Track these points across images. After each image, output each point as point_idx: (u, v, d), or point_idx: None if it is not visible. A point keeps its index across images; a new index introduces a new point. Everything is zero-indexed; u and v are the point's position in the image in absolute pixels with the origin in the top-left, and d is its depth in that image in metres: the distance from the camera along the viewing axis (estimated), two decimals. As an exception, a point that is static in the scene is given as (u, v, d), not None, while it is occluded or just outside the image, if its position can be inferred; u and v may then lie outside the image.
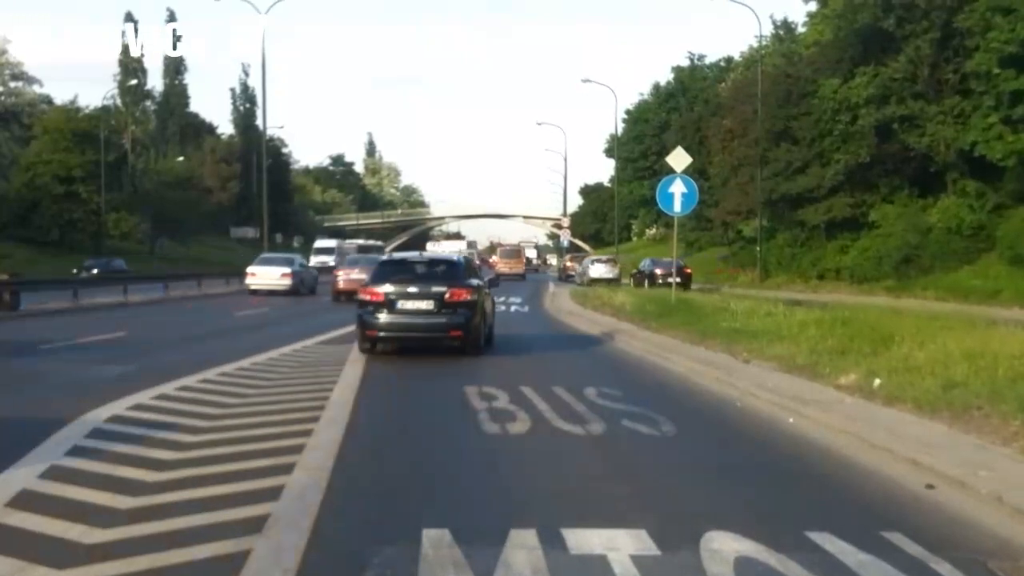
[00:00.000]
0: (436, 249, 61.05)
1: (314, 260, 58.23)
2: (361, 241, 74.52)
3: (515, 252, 69.06)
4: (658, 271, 42.82)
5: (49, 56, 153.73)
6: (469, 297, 15.45)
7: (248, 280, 36.87)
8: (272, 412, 9.88)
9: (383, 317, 15.24)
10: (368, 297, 15.43)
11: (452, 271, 16.26)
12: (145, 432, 8.65)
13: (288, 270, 36.81)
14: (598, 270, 50.11)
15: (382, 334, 15.46)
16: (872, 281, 41.83)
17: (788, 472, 7.85)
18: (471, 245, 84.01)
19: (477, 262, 34.67)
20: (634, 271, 47.39)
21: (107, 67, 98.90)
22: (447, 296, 15.23)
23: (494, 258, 65.19)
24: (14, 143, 70.85)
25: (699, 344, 16.87)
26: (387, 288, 15.35)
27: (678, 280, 36.98)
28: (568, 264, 64.80)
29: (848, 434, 8.91)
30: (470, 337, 15.49)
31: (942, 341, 12.75)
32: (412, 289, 15.32)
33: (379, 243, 76.21)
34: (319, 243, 67.61)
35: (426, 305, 15.25)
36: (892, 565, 5.29)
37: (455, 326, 15.30)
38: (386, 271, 16.23)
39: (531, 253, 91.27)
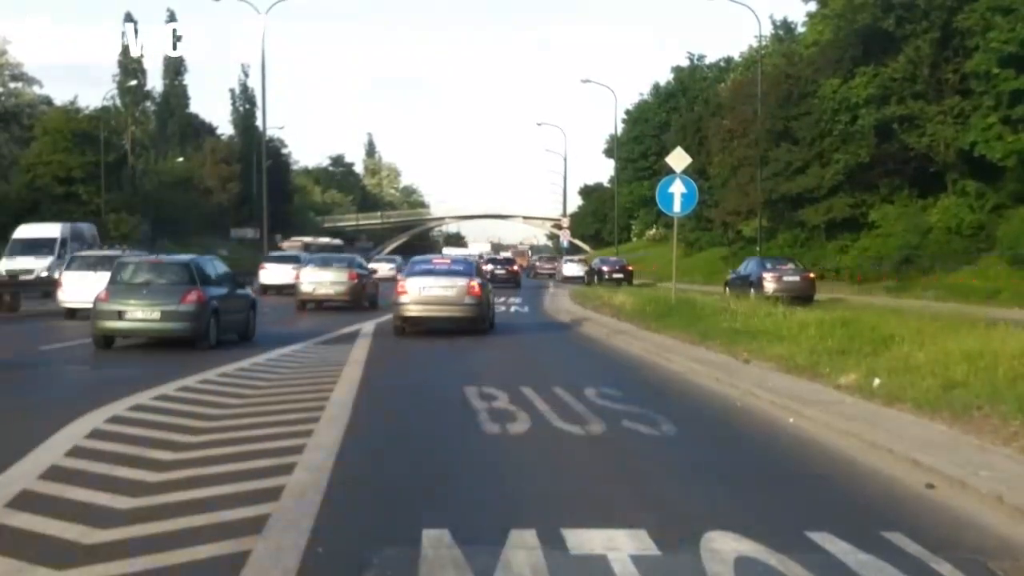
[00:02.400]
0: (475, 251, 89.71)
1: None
2: (320, 239, 73.40)
3: (520, 253, 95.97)
4: (605, 268, 51.13)
5: (49, 56, 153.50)
6: (516, 269, 51.67)
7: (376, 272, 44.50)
8: (272, 412, 9.88)
9: (488, 275, 32.08)
10: (487, 268, 34.76)
11: (511, 261, 56.66)
12: (145, 432, 8.66)
13: (393, 266, 49.44)
14: (570, 269, 58.92)
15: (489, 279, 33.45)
16: (872, 281, 41.78)
17: (788, 472, 7.86)
18: (495, 248, 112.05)
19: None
20: (587, 269, 55.24)
21: (107, 68, 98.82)
22: (510, 269, 49.78)
23: None
24: (14, 144, 70.78)
25: (699, 344, 16.87)
26: (489, 267, 41.38)
27: (620, 276, 48.81)
28: (537, 264, 73.02)
29: (848, 434, 8.91)
30: (517, 282, 47.35)
31: (942, 341, 12.75)
32: (499, 266, 49.11)
33: (338, 242, 75.68)
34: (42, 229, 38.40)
35: (504, 271, 47.79)
36: (892, 565, 5.29)
37: (513, 278, 47.37)
38: (489, 260, 50.12)
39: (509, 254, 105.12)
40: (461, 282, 19.87)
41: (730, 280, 34.76)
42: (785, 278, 31.97)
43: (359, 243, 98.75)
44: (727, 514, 6.22)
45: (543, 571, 5.11)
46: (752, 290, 30.59)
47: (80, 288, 21.89)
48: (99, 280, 18.40)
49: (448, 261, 22.62)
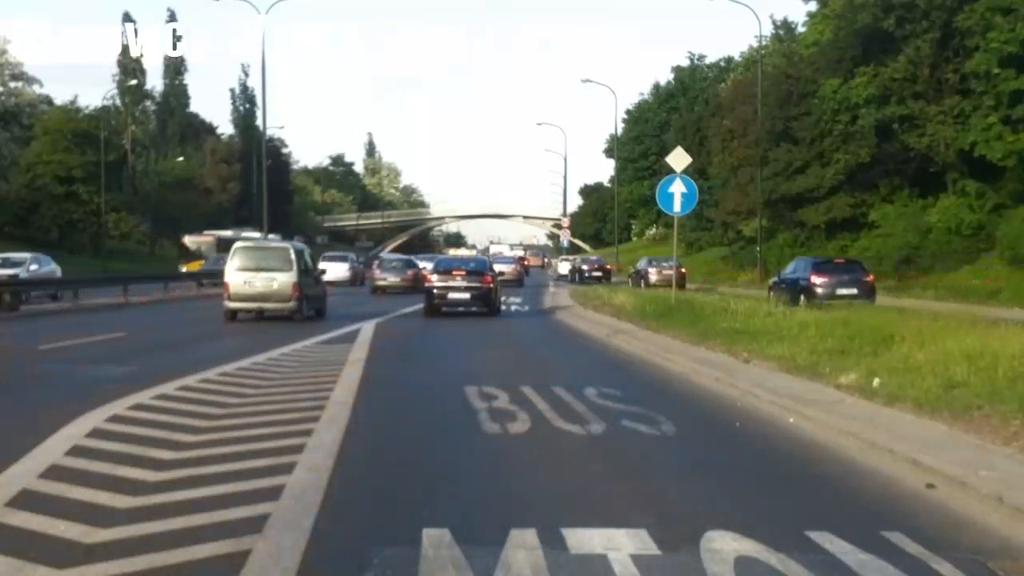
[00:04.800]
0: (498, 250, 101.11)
1: None
2: (243, 233, 66.58)
3: (531, 254, 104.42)
4: (585, 267, 56.58)
5: (49, 56, 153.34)
6: (526, 264, 66.42)
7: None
8: (272, 412, 9.88)
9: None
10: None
11: (521, 259, 67.06)
12: (145, 432, 8.65)
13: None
14: (564, 267, 65.81)
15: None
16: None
17: (788, 472, 7.85)
18: (514, 247, 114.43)
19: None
20: (571, 267, 60.74)
21: (107, 68, 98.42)
22: (522, 263, 60.28)
23: None
24: (14, 144, 70.79)
25: (699, 344, 16.85)
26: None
27: (599, 274, 53.59)
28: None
29: (848, 434, 8.90)
30: (526, 271, 59.16)
31: (942, 341, 12.74)
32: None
33: (275, 237, 72.42)
34: None
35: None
36: (892, 565, 5.29)
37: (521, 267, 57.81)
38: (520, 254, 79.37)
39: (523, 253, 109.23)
40: (512, 266, 48.99)
41: (632, 274, 47.07)
42: (664, 272, 41.44)
43: (359, 243, 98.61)
44: (727, 514, 6.22)
45: (543, 571, 5.11)
46: (642, 281, 42.27)
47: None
48: None
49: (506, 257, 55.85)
